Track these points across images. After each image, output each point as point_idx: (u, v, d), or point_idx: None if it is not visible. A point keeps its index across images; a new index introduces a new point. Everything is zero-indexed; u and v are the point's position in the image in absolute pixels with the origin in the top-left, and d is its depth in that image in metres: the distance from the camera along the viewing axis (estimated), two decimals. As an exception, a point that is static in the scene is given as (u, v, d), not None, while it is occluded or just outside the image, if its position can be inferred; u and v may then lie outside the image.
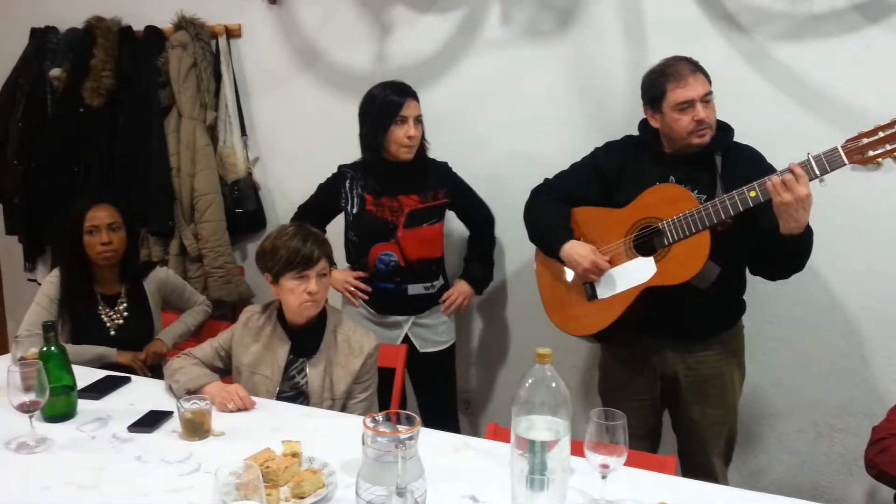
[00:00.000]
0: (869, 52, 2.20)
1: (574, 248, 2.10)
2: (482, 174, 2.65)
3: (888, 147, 1.76)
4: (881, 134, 1.76)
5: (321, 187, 2.58)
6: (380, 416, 1.35)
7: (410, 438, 1.25)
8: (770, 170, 1.95)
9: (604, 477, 1.38)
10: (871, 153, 1.77)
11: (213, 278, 3.06)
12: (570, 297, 2.20)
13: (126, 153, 3.12)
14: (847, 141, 1.79)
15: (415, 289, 2.46)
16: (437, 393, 2.60)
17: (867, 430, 2.38)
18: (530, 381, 1.24)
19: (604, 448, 1.37)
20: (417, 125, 2.36)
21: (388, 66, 2.83)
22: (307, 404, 2.02)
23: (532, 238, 2.27)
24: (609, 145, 2.23)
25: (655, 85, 2.03)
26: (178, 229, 3.11)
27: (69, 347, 2.05)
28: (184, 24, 3.03)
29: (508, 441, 1.70)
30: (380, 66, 2.85)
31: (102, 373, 2.16)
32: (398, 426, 1.37)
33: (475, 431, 2.93)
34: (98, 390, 2.00)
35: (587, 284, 2.14)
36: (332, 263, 2.08)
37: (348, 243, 2.54)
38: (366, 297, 2.48)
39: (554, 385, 1.23)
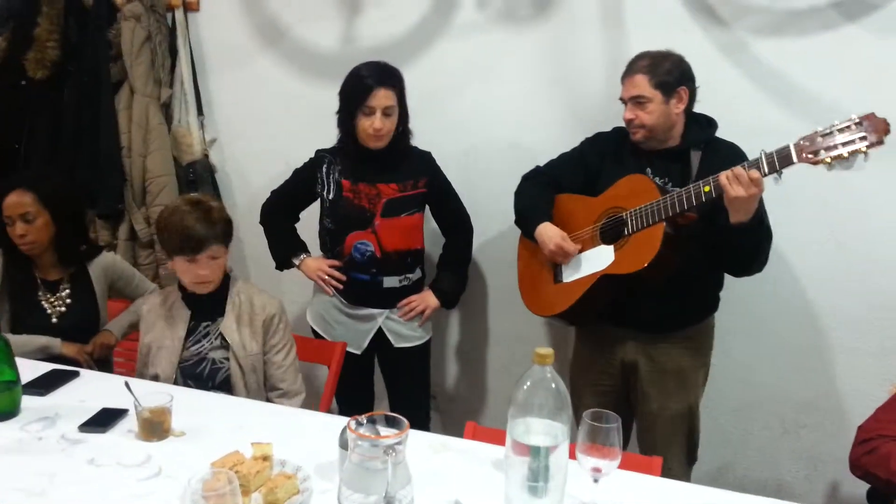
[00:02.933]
0: (846, 50, 2.19)
1: (546, 230, 2.14)
2: (454, 161, 2.56)
3: (841, 150, 1.70)
4: (836, 134, 1.71)
5: (296, 172, 2.45)
6: (363, 418, 1.27)
7: (399, 444, 1.17)
8: None
9: (596, 481, 1.33)
10: (823, 154, 1.71)
11: (165, 264, 2.91)
12: (540, 278, 2.25)
13: (72, 130, 2.92)
14: (801, 139, 1.75)
15: (390, 281, 2.36)
16: (410, 390, 2.52)
17: (831, 427, 2.42)
18: (529, 382, 1.17)
19: (596, 451, 1.31)
20: (386, 117, 2.21)
21: (357, 47, 2.72)
22: (215, 369, 2.05)
23: (516, 220, 2.30)
24: (597, 136, 2.25)
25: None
26: (128, 213, 2.95)
27: (9, 338, 1.90)
28: (138, -6, 2.85)
29: (488, 441, 1.66)
30: (348, 47, 2.74)
31: (48, 366, 2.01)
32: (377, 426, 1.29)
33: (445, 428, 2.86)
34: (44, 386, 1.86)
35: (556, 267, 2.19)
36: (227, 243, 2.08)
37: (323, 230, 2.43)
38: (340, 287, 2.38)
39: (554, 386, 1.17)
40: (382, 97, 2.19)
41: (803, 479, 2.48)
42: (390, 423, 1.28)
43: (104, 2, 2.92)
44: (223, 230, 2.04)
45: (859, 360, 2.35)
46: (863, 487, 2.41)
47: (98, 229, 2.96)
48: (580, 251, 2.12)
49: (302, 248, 2.47)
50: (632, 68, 2.04)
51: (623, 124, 2.11)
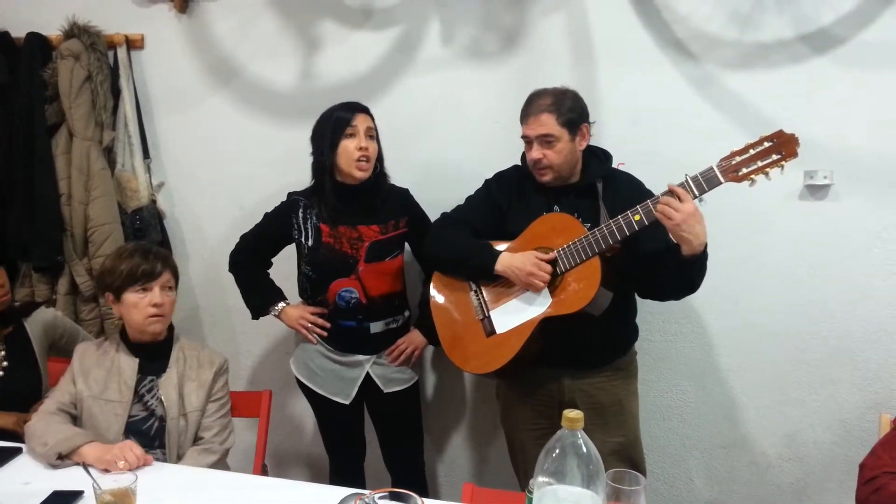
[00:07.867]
0: (814, 83, 2.20)
1: (513, 259, 1.98)
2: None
3: (759, 164, 1.79)
4: (752, 152, 1.80)
5: (268, 216, 2.33)
6: (369, 498, 1.13)
7: (418, 527, 1.04)
8: (649, 193, 1.95)
9: (619, 549, 1.22)
10: (744, 170, 1.80)
11: (111, 320, 2.68)
12: (468, 334, 2.09)
13: (4, 177, 2.70)
14: (721, 160, 1.82)
15: (377, 326, 2.26)
16: (405, 437, 2.40)
17: (815, 459, 2.39)
18: (558, 449, 1.07)
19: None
20: (370, 140, 2.18)
21: (316, 85, 2.61)
22: (162, 427, 1.93)
23: (448, 267, 2.15)
24: (499, 175, 2.19)
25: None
26: (68, 264, 2.72)
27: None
28: (76, 31, 2.68)
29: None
30: (306, 85, 2.62)
31: (-17, 444, 1.79)
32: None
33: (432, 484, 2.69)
34: (-20, 468, 1.65)
35: (485, 319, 2.05)
36: (177, 278, 2.06)
37: (302, 277, 2.30)
38: (324, 334, 2.26)
39: (586, 452, 1.07)
40: (363, 120, 2.18)
41: (790, 514, 2.44)
42: (397, 498, 1.15)
43: (37, 39, 2.74)
44: (173, 265, 2.05)
45: (841, 391, 2.33)
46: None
47: (35, 283, 2.73)
48: (509, 299, 2.02)
49: (279, 295, 2.34)
50: (535, 106, 2.00)
51: (520, 162, 2.10)
